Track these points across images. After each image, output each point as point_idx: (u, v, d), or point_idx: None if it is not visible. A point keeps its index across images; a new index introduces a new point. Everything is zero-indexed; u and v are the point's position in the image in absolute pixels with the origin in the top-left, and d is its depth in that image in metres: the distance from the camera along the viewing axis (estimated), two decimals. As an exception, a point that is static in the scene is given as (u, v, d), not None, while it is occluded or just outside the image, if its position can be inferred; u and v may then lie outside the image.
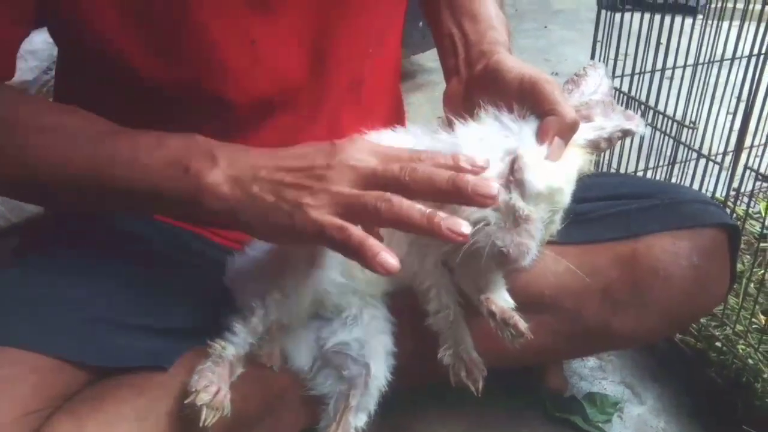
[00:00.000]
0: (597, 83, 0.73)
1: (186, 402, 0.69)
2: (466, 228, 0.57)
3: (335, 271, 0.75)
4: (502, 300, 0.70)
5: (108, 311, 0.74)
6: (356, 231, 0.58)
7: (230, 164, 0.63)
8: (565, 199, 0.66)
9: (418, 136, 0.72)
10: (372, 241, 0.57)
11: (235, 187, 0.63)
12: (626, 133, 0.71)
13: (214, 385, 0.69)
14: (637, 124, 0.70)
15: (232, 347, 0.73)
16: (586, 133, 0.69)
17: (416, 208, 0.57)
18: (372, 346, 0.80)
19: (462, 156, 0.61)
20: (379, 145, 0.64)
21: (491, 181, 0.59)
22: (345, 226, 0.58)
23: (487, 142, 0.67)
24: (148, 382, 0.71)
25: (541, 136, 0.65)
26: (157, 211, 0.74)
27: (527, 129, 0.66)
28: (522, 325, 0.68)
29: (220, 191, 0.63)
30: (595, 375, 1.16)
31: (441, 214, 0.57)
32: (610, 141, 0.71)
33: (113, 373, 0.71)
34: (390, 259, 0.56)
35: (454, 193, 0.58)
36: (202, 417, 0.67)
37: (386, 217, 0.57)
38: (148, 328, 0.75)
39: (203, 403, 0.68)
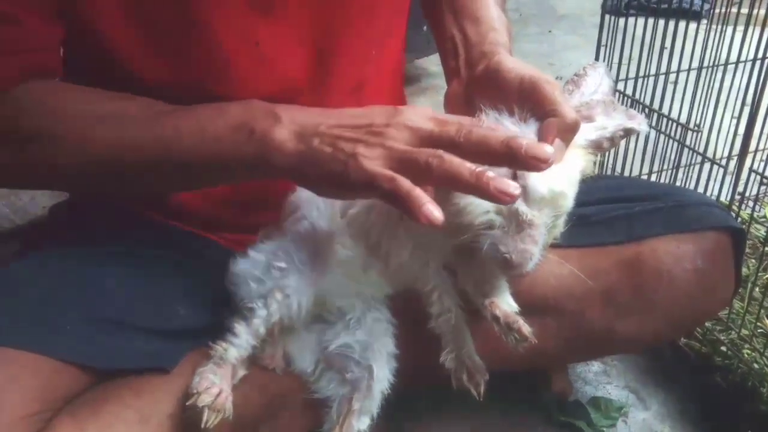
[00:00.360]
0: (597, 83, 0.73)
1: (187, 404, 0.68)
2: (514, 189, 0.57)
3: (338, 272, 0.75)
4: (506, 304, 0.70)
5: (109, 312, 0.74)
6: (405, 182, 0.59)
7: (292, 120, 0.65)
8: (569, 202, 0.65)
9: None
10: (419, 192, 0.58)
11: (298, 142, 0.64)
12: (629, 132, 0.70)
13: (215, 386, 0.69)
14: (639, 122, 0.70)
15: (234, 349, 0.73)
16: (587, 133, 0.68)
17: (466, 166, 0.58)
18: (375, 349, 0.80)
19: (523, 141, 0.59)
20: (440, 113, 0.64)
21: (545, 146, 0.58)
22: (394, 177, 0.59)
23: None
24: (150, 384, 0.71)
25: (542, 137, 0.64)
26: (227, 180, 0.76)
27: (528, 132, 0.66)
28: (526, 329, 0.67)
29: (285, 148, 0.65)
30: (600, 379, 1.15)
31: (490, 174, 0.57)
32: (612, 140, 0.70)
33: (115, 375, 0.71)
34: (435, 211, 0.57)
35: (507, 156, 0.58)
36: (204, 419, 0.67)
37: (437, 173, 0.59)
38: (150, 330, 0.75)
39: (204, 405, 0.68)
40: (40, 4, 0.70)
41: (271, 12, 0.76)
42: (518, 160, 0.58)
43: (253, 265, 0.76)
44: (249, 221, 0.84)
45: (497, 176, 0.57)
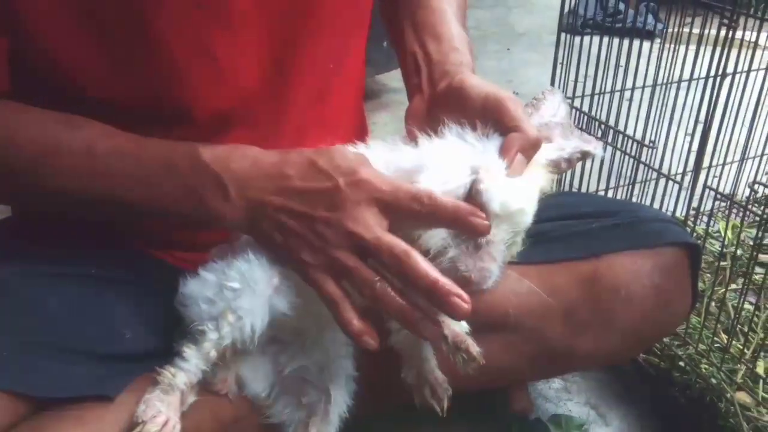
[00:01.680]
0: (555, 107, 0.75)
1: (132, 434, 0.65)
2: (434, 333, 0.63)
3: (293, 292, 0.73)
4: (455, 324, 0.69)
5: (50, 336, 0.70)
6: (347, 311, 0.64)
7: (240, 194, 0.67)
8: (527, 219, 0.66)
9: (381, 151, 0.71)
10: (357, 326, 0.64)
11: (248, 219, 0.68)
12: (585, 155, 0.72)
13: (162, 415, 0.66)
14: (595, 146, 0.72)
15: (182, 374, 0.69)
16: (547, 153, 0.70)
17: (396, 302, 0.62)
18: (332, 371, 0.78)
19: (466, 207, 0.62)
20: (377, 185, 0.63)
21: (465, 303, 0.60)
22: (338, 303, 0.64)
23: (451, 158, 0.66)
24: (92, 412, 0.67)
25: (503, 151, 0.66)
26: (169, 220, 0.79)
27: (490, 146, 0.67)
28: (474, 349, 0.67)
29: (234, 223, 0.69)
30: (560, 396, 1.15)
31: (417, 315, 0.62)
32: (570, 162, 0.72)
33: (55, 404, 0.67)
34: (370, 341, 0.64)
35: (428, 296, 0.61)
36: (150, 450, 0.64)
37: (370, 298, 0.63)
38: (93, 354, 0.72)
39: (151, 435, 0.64)
40: None
41: (227, 25, 0.74)
42: (436, 302, 0.61)
43: (204, 285, 0.72)
44: (200, 240, 0.81)
45: (423, 318, 0.62)
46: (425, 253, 0.64)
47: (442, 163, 0.66)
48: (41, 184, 0.70)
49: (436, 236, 0.64)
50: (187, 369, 0.70)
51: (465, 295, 0.60)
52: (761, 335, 1.08)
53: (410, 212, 0.62)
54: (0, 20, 0.68)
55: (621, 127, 1.24)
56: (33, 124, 0.70)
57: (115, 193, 0.69)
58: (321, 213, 0.64)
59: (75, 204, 0.73)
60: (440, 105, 0.74)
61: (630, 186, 1.26)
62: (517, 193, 0.64)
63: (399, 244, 0.62)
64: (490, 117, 0.68)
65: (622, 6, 2.27)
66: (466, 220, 0.61)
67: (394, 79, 2.33)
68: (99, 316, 0.75)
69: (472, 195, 0.63)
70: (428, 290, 0.60)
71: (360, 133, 0.97)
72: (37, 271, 0.75)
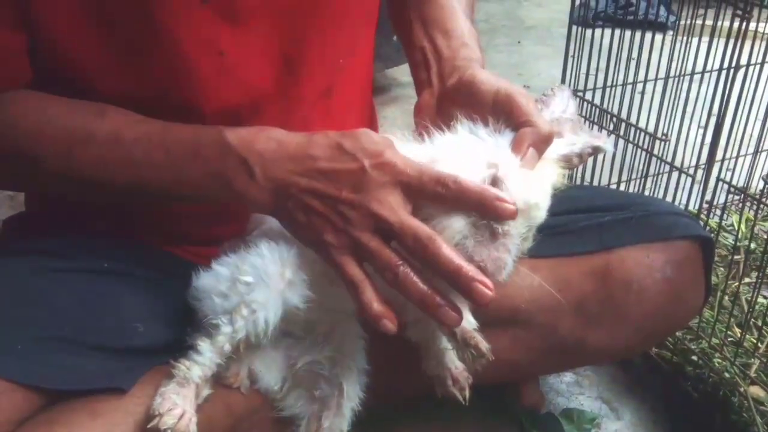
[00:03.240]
0: (564, 104, 0.75)
1: (149, 426, 0.66)
2: (455, 319, 0.62)
3: (306, 286, 0.73)
4: (463, 320, 0.69)
5: (63, 330, 0.71)
6: (368, 293, 0.64)
7: (265, 174, 0.67)
8: (542, 213, 0.66)
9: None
10: (377, 308, 0.63)
11: (273, 200, 0.68)
12: (596, 150, 0.72)
13: (178, 408, 0.67)
14: (605, 141, 0.72)
15: (197, 368, 0.70)
16: (558, 147, 0.70)
17: (418, 287, 0.62)
18: (345, 365, 0.78)
19: (492, 192, 0.62)
20: (402, 168, 0.63)
21: (488, 290, 0.60)
22: (358, 284, 0.64)
23: (465, 152, 0.67)
24: (105, 405, 0.68)
25: (515, 146, 0.66)
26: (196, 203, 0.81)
27: (503, 142, 0.67)
28: (483, 345, 0.67)
29: (261, 203, 0.68)
30: (572, 390, 1.15)
31: (438, 300, 0.62)
32: (581, 157, 0.72)
33: (69, 396, 0.68)
34: (389, 324, 0.63)
35: (450, 281, 0.61)
36: (166, 442, 0.64)
37: (391, 283, 0.63)
38: (106, 348, 0.72)
39: (167, 428, 0.65)
40: (2, 13, 0.68)
41: (237, 21, 0.74)
42: (460, 288, 0.61)
43: (217, 279, 0.73)
44: (213, 234, 0.82)
45: (444, 304, 0.62)
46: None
47: (456, 158, 0.66)
48: (71, 173, 0.71)
49: (452, 226, 0.63)
50: (201, 362, 0.70)
51: (489, 282, 0.60)
52: (775, 329, 1.07)
53: (435, 195, 0.62)
54: (19, 16, 0.69)
55: (633, 120, 1.23)
56: (60, 114, 0.71)
57: (143, 179, 0.70)
58: (346, 194, 0.63)
59: (103, 191, 0.74)
60: (450, 100, 0.74)
61: (642, 179, 1.25)
62: (533, 188, 0.64)
63: (423, 228, 0.61)
64: (501, 112, 0.68)
65: (633, -2, 2.25)
66: (493, 204, 0.61)
67: (403, 73, 2.33)
68: (111, 310, 0.75)
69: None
70: (452, 276, 0.60)
71: (369, 127, 0.97)
72: (50, 265, 0.76)
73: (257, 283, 0.71)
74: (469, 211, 0.63)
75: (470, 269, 0.60)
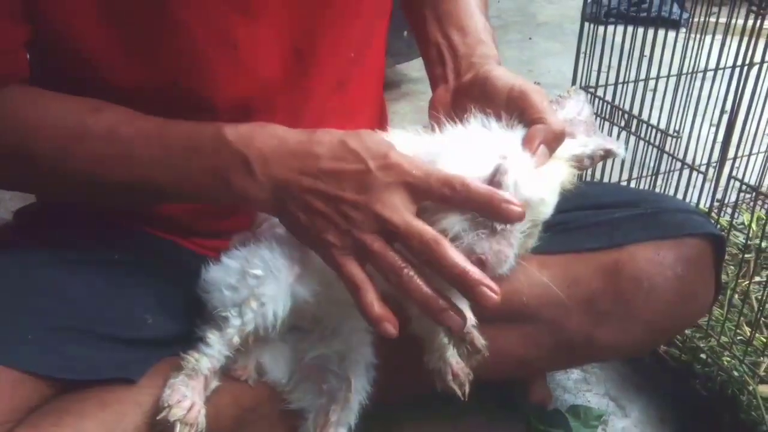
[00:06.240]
0: (579, 107, 0.75)
1: (158, 418, 0.66)
2: (458, 323, 0.62)
3: (315, 280, 0.73)
4: None
5: (74, 321, 0.71)
6: (369, 295, 0.63)
7: (264, 171, 0.66)
8: (548, 210, 0.66)
9: (402, 137, 0.71)
10: (378, 311, 0.63)
11: (273, 198, 0.66)
12: (608, 153, 0.72)
13: (187, 399, 0.67)
14: (618, 145, 0.72)
15: (206, 360, 0.70)
16: (570, 147, 0.70)
17: (422, 290, 0.61)
18: (352, 359, 0.78)
19: (500, 195, 0.61)
20: (408, 169, 0.62)
21: (494, 294, 0.60)
22: (359, 286, 0.63)
23: (473, 144, 0.67)
24: (115, 395, 0.68)
25: (527, 141, 0.66)
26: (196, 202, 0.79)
27: (514, 136, 0.67)
28: (479, 341, 0.67)
29: (259, 202, 0.68)
30: (579, 387, 1.15)
31: (441, 303, 0.61)
32: (592, 159, 0.72)
33: (79, 386, 0.68)
34: (390, 327, 0.63)
35: (458, 285, 0.61)
36: (175, 433, 0.65)
37: (394, 282, 0.62)
38: (116, 339, 0.73)
39: (176, 419, 0.66)
40: (3, 5, 0.68)
41: (249, 13, 0.74)
42: (466, 292, 0.60)
43: (226, 272, 0.73)
44: (221, 227, 0.82)
45: (448, 308, 0.61)
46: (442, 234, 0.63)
47: (464, 149, 0.66)
48: (66, 171, 0.70)
49: (453, 220, 0.63)
50: (210, 354, 0.71)
51: (494, 286, 0.59)
52: (785, 328, 1.07)
53: (442, 197, 0.62)
54: (22, 7, 0.69)
55: (645, 117, 1.22)
56: (56, 110, 0.70)
57: (141, 176, 0.69)
58: (349, 195, 0.63)
59: (100, 190, 0.73)
60: (465, 95, 0.74)
61: (653, 176, 1.24)
62: (539, 183, 0.64)
63: (429, 230, 0.61)
64: (515, 108, 0.68)
65: (646, -6, 2.23)
66: (500, 207, 0.60)
67: (414, 69, 2.32)
68: (121, 302, 0.76)
69: (495, 182, 0.63)
70: (458, 279, 0.60)
71: (380, 122, 0.97)
72: (60, 256, 0.77)
73: (267, 276, 0.71)
74: (476, 213, 0.62)
75: (476, 272, 0.60)
